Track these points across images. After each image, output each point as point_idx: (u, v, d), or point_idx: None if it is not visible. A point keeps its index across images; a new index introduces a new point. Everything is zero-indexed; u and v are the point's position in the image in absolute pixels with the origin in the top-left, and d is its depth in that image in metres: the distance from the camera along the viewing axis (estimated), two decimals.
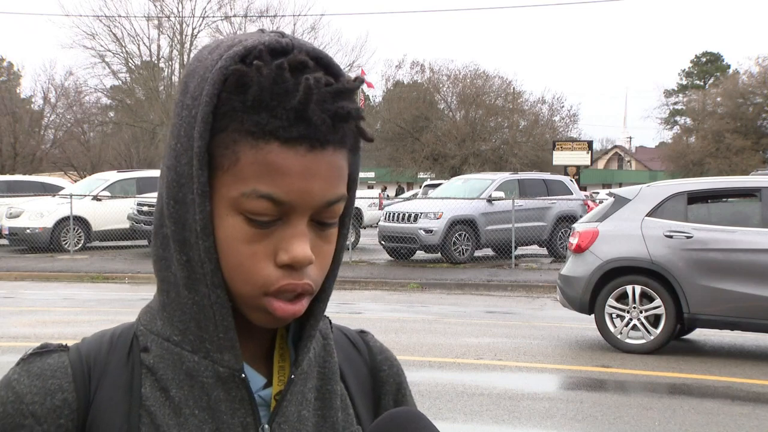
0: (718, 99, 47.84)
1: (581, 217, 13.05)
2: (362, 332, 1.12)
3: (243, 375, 0.93)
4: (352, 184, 0.95)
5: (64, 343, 0.98)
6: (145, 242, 20.77)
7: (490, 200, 18.41)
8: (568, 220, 18.68)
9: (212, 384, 0.93)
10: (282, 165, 0.86)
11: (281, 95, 0.86)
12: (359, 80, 0.91)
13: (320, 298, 0.97)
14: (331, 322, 1.07)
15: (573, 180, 22.53)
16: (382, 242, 18.95)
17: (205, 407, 0.93)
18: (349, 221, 0.97)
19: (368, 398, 1.07)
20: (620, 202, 9.55)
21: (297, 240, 0.88)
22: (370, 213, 22.17)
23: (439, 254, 18.46)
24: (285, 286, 0.89)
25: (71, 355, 0.96)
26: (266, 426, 0.94)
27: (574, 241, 9.55)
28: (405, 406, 1.08)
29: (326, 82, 0.87)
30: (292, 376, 0.96)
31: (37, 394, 0.92)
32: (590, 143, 33.52)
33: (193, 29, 41.56)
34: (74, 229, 19.92)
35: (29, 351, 0.96)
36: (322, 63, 0.90)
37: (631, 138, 78.50)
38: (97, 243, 21.08)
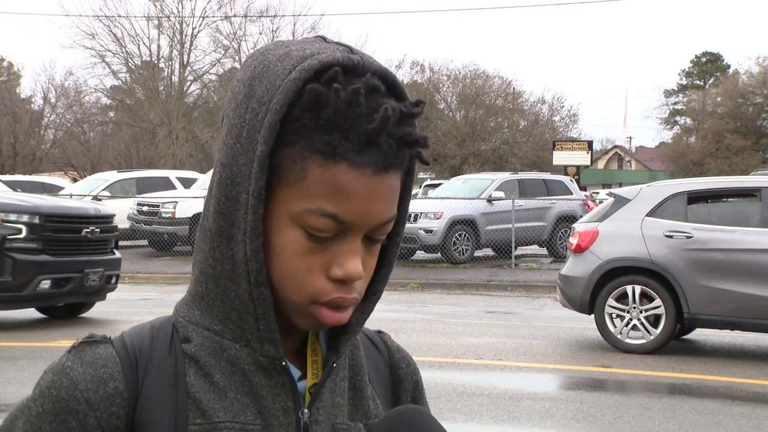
0: (718, 99, 47.85)
1: (581, 217, 13.05)
2: (380, 332, 1.17)
3: (284, 363, 0.97)
4: (407, 196, 1.00)
5: (107, 335, 1.02)
6: (145, 242, 20.74)
7: (490, 200, 18.42)
8: (568, 220, 18.69)
9: (253, 371, 0.97)
10: (349, 186, 0.89)
11: (355, 119, 0.88)
12: (422, 104, 0.94)
13: (371, 298, 1.02)
14: None
15: (573, 180, 22.55)
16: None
17: (247, 392, 0.97)
18: (402, 230, 1.02)
19: (388, 395, 1.11)
20: (620, 202, 9.54)
21: (352, 256, 0.93)
22: None
23: (439, 254, 18.47)
24: (335, 299, 0.94)
25: (117, 346, 0.99)
26: (305, 410, 0.98)
27: (574, 241, 9.55)
28: (421, 404, 1.13)
29: (399, 110, 0.90)
30: (334, 365, 1.00)
31: (91, 381, 0.95)
32: (590, 143, 33.50)
33: (193, 29, 41.60)
34: None
35: (79, 340, 1.00)
36: (388, 83, 0.93)
37: (631, 138, 78.42)
38: None
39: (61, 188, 22.66)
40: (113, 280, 10.67)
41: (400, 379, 1.12)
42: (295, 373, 0.99)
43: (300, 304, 0.94)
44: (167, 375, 0.98)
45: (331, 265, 0.92)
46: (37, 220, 9.69)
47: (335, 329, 1.01)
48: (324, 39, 0.96)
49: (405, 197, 0.99)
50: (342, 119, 0.88)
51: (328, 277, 0.93)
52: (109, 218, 10.70)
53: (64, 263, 9.86)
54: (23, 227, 9.59)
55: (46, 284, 9.68)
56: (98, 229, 10.27)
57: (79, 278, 9.95)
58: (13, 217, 9.62)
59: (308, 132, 0.89)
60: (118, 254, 10.84)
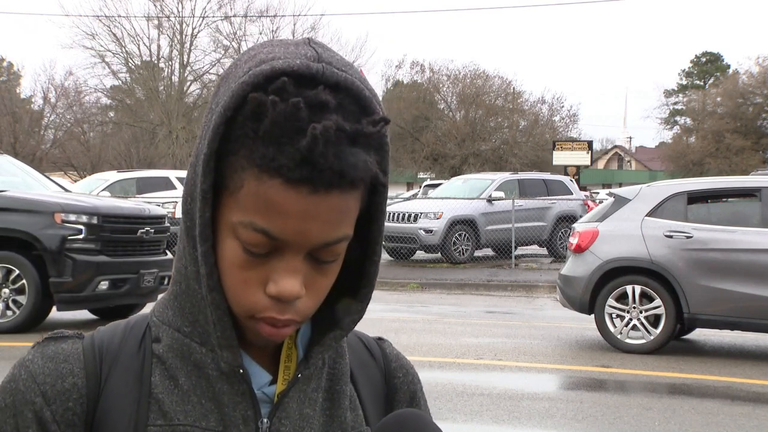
0: (718, 99, 47.85)
1: (581, 217, 13.05)
2: (380, 339, 1.14)
3: (242, 371, 0.95)
4: (379, 215, 0.94)
5: (79, 332, 1.01)
6: None
7: (490, 200, 18.43)
8: (568, 220, 18.70)
9: (217, 377, 0.96)
10: (281, 204, 0.85)
11: (292, 133, 0.83)
12: (383, 121, 0.88)
13: (354, 317, 0.98)
14: None
15: (573, 180, 22.56)
16: (382, 242, 18.97)
17: (211, 398, 0.96)
18: (379, 249, 0.98)
19: (381, 404, 1.07)
20: (620, 202, 9.55)
21: (288, 275, 0.89)
22: None
23: (439, 254, 18.47)
24: (268, 318, 0.90)
25: (85, 343, 0.99)
26: (265, 420, 0.96)
27: (574, 241, 9.56)
28: None
29: (338, 127, 0.83)
30: (299, 375, 0.98)
31: (49, 375, 0.95)
32: (590, 143, 33.45)
33: (193, 29, 41.54)
34: None
35: (45, 335, 1.00)
36: (352, 94, 0.87)
37: (631, 138, 78.36)
38: None
39: None
40: (166, 281, 10.60)
41: (395, 389, 1.09)
42: (266, 377, 0.97)
43: (240, 315, 0.92)
44: (132, 374, 0.97)
45: (268, 281, 0.89)
46: (95, 221, 9.63)
47: (312, 339, 0.99)
48: (309, 42, 0.91)
49: (375, 216, 0.94)
50: (279, 133, 0.83)
51: (265, 293, 0.90)
52: (161, 219, 10.70)
53: (121, 264, 9.84)
54: (83, 227, 9.53)
55: (104, 285, 9.63)
56: (152, 230, 10.26)
57: (135, 279, 9.92)
58: (72, 217, 9.54)
59: (249, 142, 0.85)
60: (170, 255, 10.81)
